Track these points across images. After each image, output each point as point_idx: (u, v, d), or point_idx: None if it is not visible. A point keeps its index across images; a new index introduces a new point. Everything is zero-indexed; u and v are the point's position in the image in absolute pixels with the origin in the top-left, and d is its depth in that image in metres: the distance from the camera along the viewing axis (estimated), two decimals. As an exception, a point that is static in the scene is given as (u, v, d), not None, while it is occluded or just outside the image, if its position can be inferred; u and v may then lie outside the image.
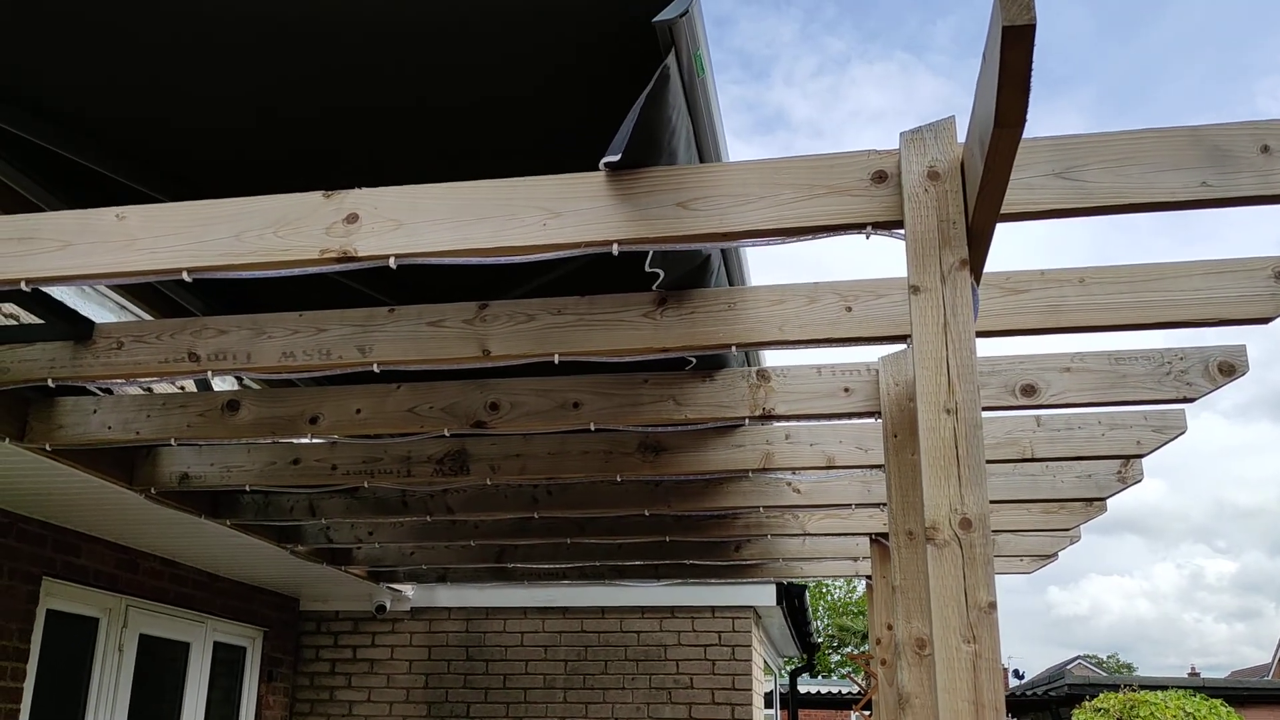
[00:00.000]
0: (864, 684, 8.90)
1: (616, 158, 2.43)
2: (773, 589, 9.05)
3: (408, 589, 9.24)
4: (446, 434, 4.21)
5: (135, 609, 7.23)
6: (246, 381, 5.92)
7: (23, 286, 2.81)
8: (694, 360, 3.83)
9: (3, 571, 5.90)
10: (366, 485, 5.28)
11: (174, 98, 3.20)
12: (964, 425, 2.17)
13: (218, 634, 8.33)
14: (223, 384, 5.91)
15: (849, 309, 3.16)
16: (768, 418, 3.96)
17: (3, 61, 3.18)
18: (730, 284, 3.37)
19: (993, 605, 2.08)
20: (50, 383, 3.70)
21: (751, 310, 3.23)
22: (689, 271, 3.16)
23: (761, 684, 10.29)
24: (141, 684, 7.33)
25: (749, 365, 4.01)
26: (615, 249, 2.56)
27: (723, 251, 3.21)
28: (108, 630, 6.98)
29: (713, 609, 9.10)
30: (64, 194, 3.67)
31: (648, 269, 3.00)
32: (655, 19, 2.38)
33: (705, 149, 2.79)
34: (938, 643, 2.08)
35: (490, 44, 2.79)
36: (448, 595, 9.36)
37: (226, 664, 8.54)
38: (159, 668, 7.64)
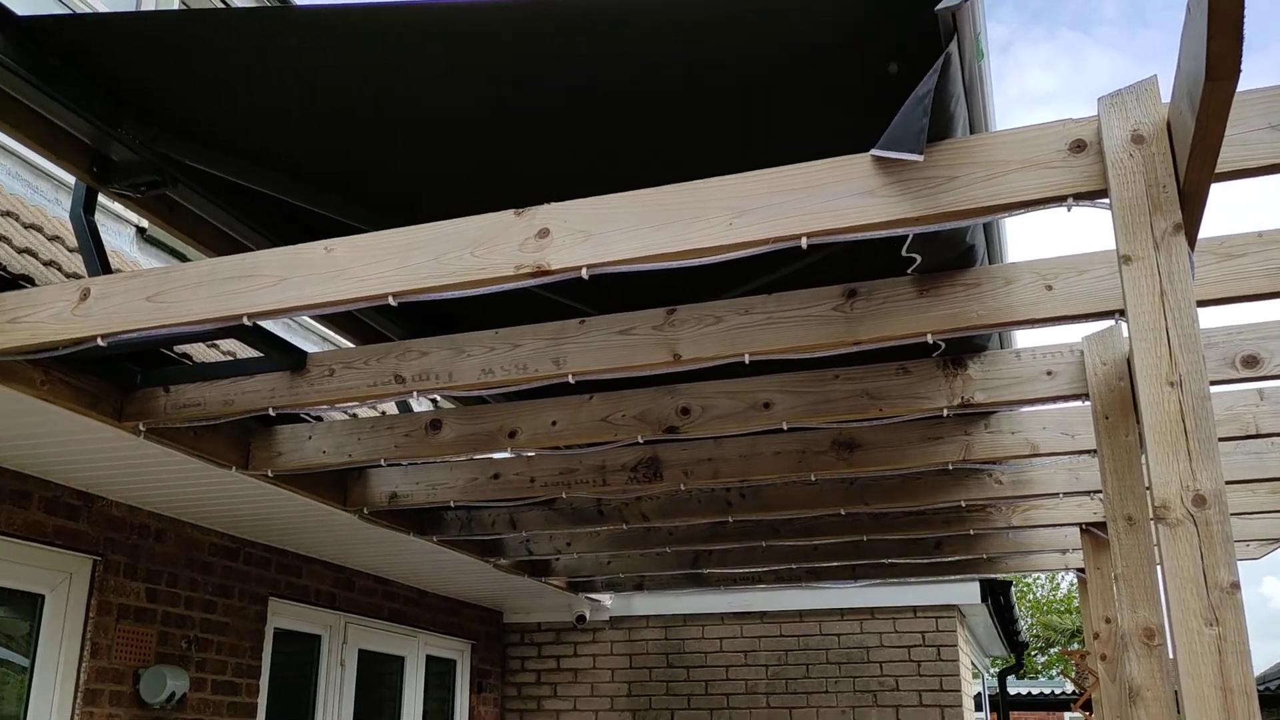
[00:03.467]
0: (1081, 682, 8.52)
1: (919, 157, 2.37)
2: (976, 586, 8.77)
3: (606, 598, 9.39)
4: (640, 441, 4.26)
5: (353, 625, 7.59)
6: (441, 402, 6.14)
7: (245, 321, 3.00)
8: (942, 345, 3.72)
9: (234, 593, 6.30)
10: (564, 496, 5.39)
11: (388, 136, 3.37)
12: (1190, 397, 2.05)
13: (429, 647, 8.66)
14: (419, 405, 6.15)
15: (1049, 287, 3.04)
16: (966, 407, 3.84)
17: (228, 120, 3.42)
18: (991, 264, 3.26)
19: (1235, 585, 1.96)
20: (271, 411, 3.93)
21: (946, 296, 3.14)
22: (951, 255, 3.07)
23: (970, 685, 9.99)
24: (362, 696, 7.69)
25: (954, 352, 3.90)
26: (804, 242, 2.54)
27: (985, 229, 3.09)
28: (329, 646, 7.36)
29: (914, 609, 8.89)
30: (273, 233, 3.90)
31: (904, 253, 2.96)
32: (938, 6, 2.31)
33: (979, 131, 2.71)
34: (1177, 628, 1.97)
35: (765, 27, 2.74)
36: (645, 603, 9.46)
37: (438, 676, 8.87)
38: (377, 681, 8.00)
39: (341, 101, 3.28)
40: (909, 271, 3.17)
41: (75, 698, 5.16)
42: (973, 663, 11.16)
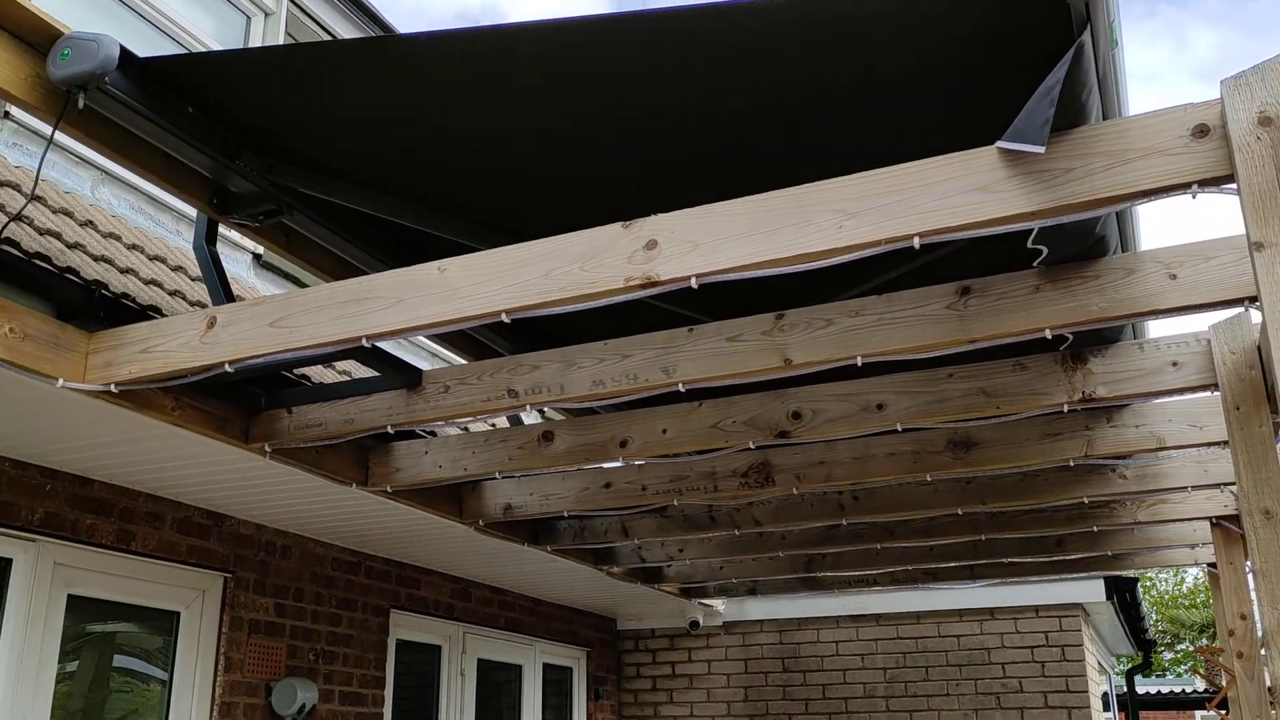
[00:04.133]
0: (1213, 679, 8.21)
1: (1041, 149, 2.32)
2: (1100, 584, 8.52)
3: (719, 603, 9.37)
4: (751, 446, 4.25)
5: (471, 635, 7.72)
6: (548, 413, 6.21)
7: (364, 343, 3.08)
8: (1069, 338, 3.63)
9: (357, 606, 6.46)
10: (675, 503, 5.41)
11: (495, 155, 3.43)
12: (1335, 388, 1.97)
13: (546, 655, 8.75)
14: (529, 417, 6.23)
15: (1173, 276, 2.95)
16: (1088, 402, 3.74)
17: (340, 146, 3.52)
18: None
19: (1393, 584, 1.87)
20: (390, 429, 4.02)
21: (1064, 290, 3.07)
22: (1081, 247, 3.00)
23: (1097, 685, 9.70)
24: (482, 705, 7.82)
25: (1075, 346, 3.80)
26: (916, 242, 2.50)
27: (1117, 218, 3.02)
28: (449, 656, 7.49)
29: (1035, 608, 8.68)
30: (384, 256, 4.00)
31: (1030, 245, 2.91)
32: None
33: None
34: (1330, 629, 1.89)
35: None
36: (758, 608, 9.42)
37: (555, 684, 8.96)
38: (496, 689, 8.12)
39: (449, 123, 3.34)
40: (1035, 265, 3.10)
41: (211, 710, 5.35)
42: (1099, 662, 10.84)
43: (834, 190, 2.59)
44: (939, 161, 2.50)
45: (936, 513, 5.48)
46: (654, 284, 2.72)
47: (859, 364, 3.28)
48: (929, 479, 4.85)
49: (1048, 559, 6.73)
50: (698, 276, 2.68)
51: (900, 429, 4.08)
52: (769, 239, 2.63)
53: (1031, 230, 2.81)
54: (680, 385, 3.52)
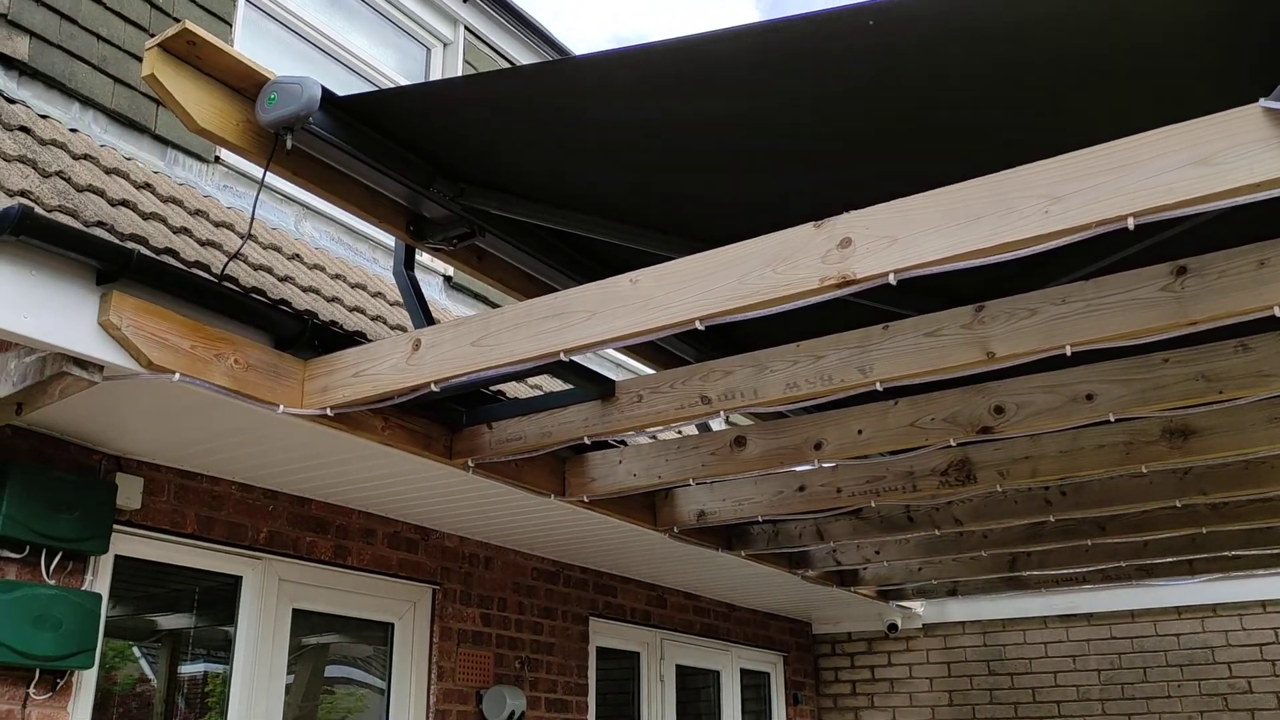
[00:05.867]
0: None
1: None
2: (1336, 576, 7.92)
3: (917, 605, 9.15)
4: (952, 444, 4.13)
5: (668, 641, 7.77)
6: (733, 418, 6.19)
7: (561, 357, 3.14)
8: None
9: (557, 614, 6.60)
10: (872, 504, 5.30)
11: (680, 162, 3.46)
12: None
13: (742, 660, 8.73)
14: (716, 424, 6.23)
15: None
16: (1323, 382, 3.48)
17: (527, 167, 3.62)
18: None
19: None
20: (587, 440, 4.09)
21: (1293, 264, 2.86)
22: None
23: (1337, 686, 9.00)
24: (682, 711, 7.85)
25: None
26: (1131, 223, 2.38)
27: None
28: (647, 662, 7.56)
29: (1263, 604, 8.12)
30: (573, 271, 4.08)
31: None
32: None
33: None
34: None
35: None
36: (959, 609, 9.15)
37: (752, 689, 8.92)
38: (694, 695, 8.14)
39: (627, 136, 3.38)
40: None
41: (427, 718, 5.55)
42: (1337, 661, 10.06)
43: (1036, 174, 2.48)
44: (1150, 136, 2.37)
45: (1151, 506, 5.20)
46: (850, 282, 2.68)
47: (1069, 354, 3.14)
48: (1143, 470, 4.60)
49: (1275, 551, 6.29)
50: (896, 272, 2.62)
51: (1114, 419, 3.88)
52: (969, 229, 2.54)
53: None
54: (878, 384, 3.45)
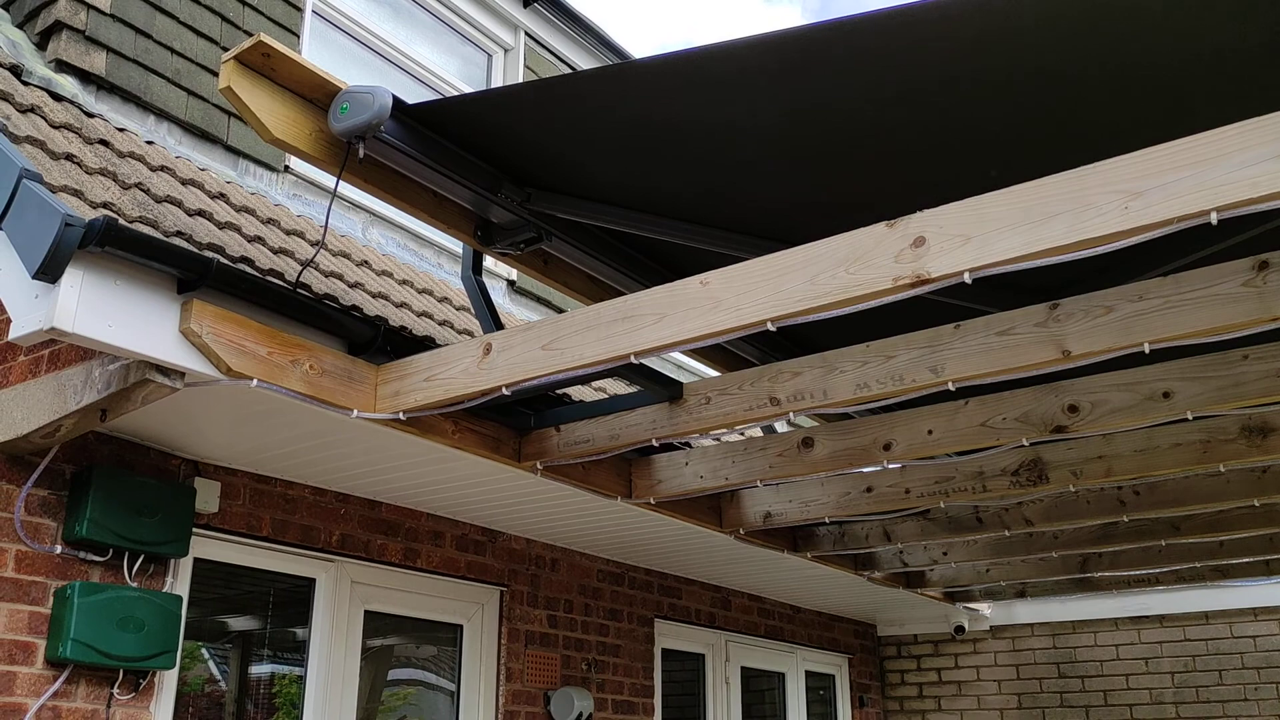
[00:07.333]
0: None
1: None
2: None
3: (984, 607, 9.04)
4: (1025, 443, 4.07)
5: (733, 643, 7.75)
6: (796, 419, 6.16)
7: (631, 359, 3.15)
8: None
9: (623, 616, 6.61)
10: (941, 505, 5.25)
11: (748, 164, 3.46)
12: None
13: (807, 663, 8.68)
14: (780, 425, 6.21)
15: None
16: None
17: (593, 171, 3.64)
18: None
19: None
20: (655, 442, 4.09)
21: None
22: None
23: None
24: (747, 713, 7.83)
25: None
26: (1214, 218, 2.33)
27: None
28: (712, 664, 7.55)
29: (1344, 606, 7.93)
30: (639, 274, 4.09)
31: None
32: None
33: None
34: None
35: None
36: (1028, 611, 9.02)
37: (817, 691, 8.87)
38: (759, 697, 8.12)
39: (691, 136, 3.38)
40: None
41: (497, 718, 5.59)
42: None
43: (1114, 170, 2.44)
44: (1234, 130, 2.32)
45: (1228, 505, 5.10)
46: (925, 282, 2.65)
47: (1147, 351, 3.09)
48: (1221, 469, 4.51)
49: (1359, 552, 6.14)
50: (971, 271, 2.59)
51: (1191, 417, 3.81)
52: (1045, 226, 2.51)
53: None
54: (950, 384, 3.41)
